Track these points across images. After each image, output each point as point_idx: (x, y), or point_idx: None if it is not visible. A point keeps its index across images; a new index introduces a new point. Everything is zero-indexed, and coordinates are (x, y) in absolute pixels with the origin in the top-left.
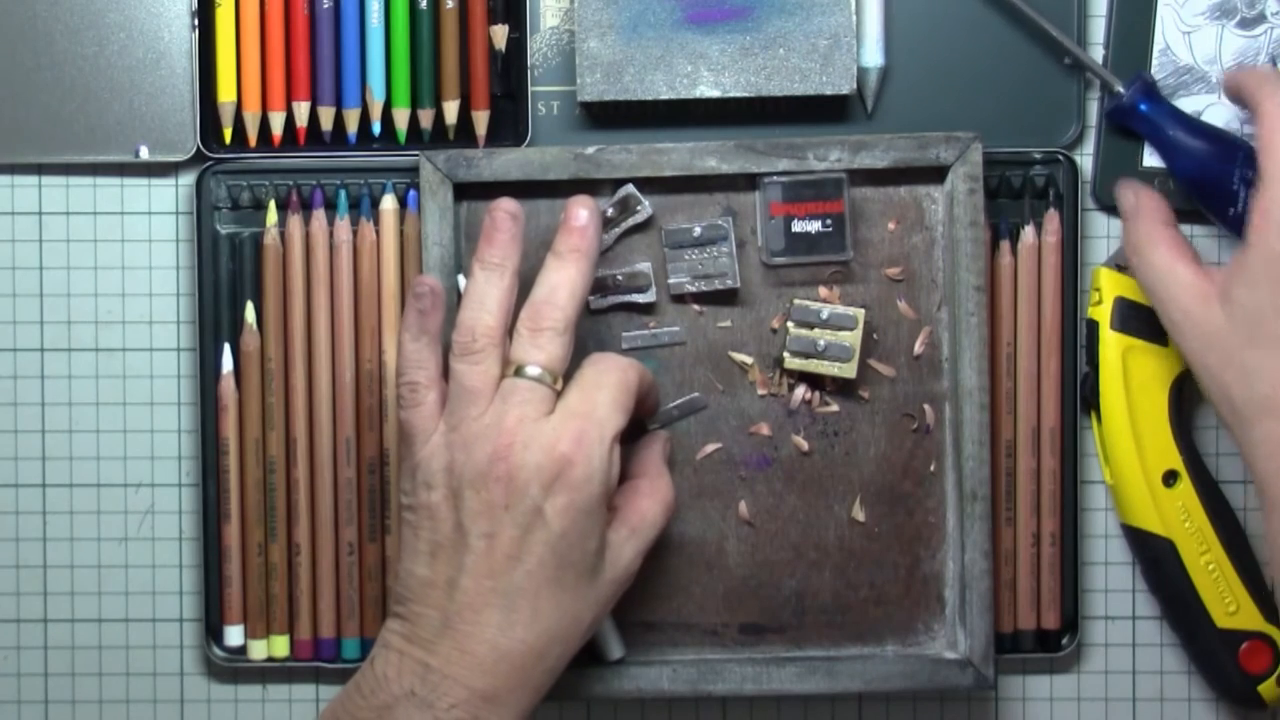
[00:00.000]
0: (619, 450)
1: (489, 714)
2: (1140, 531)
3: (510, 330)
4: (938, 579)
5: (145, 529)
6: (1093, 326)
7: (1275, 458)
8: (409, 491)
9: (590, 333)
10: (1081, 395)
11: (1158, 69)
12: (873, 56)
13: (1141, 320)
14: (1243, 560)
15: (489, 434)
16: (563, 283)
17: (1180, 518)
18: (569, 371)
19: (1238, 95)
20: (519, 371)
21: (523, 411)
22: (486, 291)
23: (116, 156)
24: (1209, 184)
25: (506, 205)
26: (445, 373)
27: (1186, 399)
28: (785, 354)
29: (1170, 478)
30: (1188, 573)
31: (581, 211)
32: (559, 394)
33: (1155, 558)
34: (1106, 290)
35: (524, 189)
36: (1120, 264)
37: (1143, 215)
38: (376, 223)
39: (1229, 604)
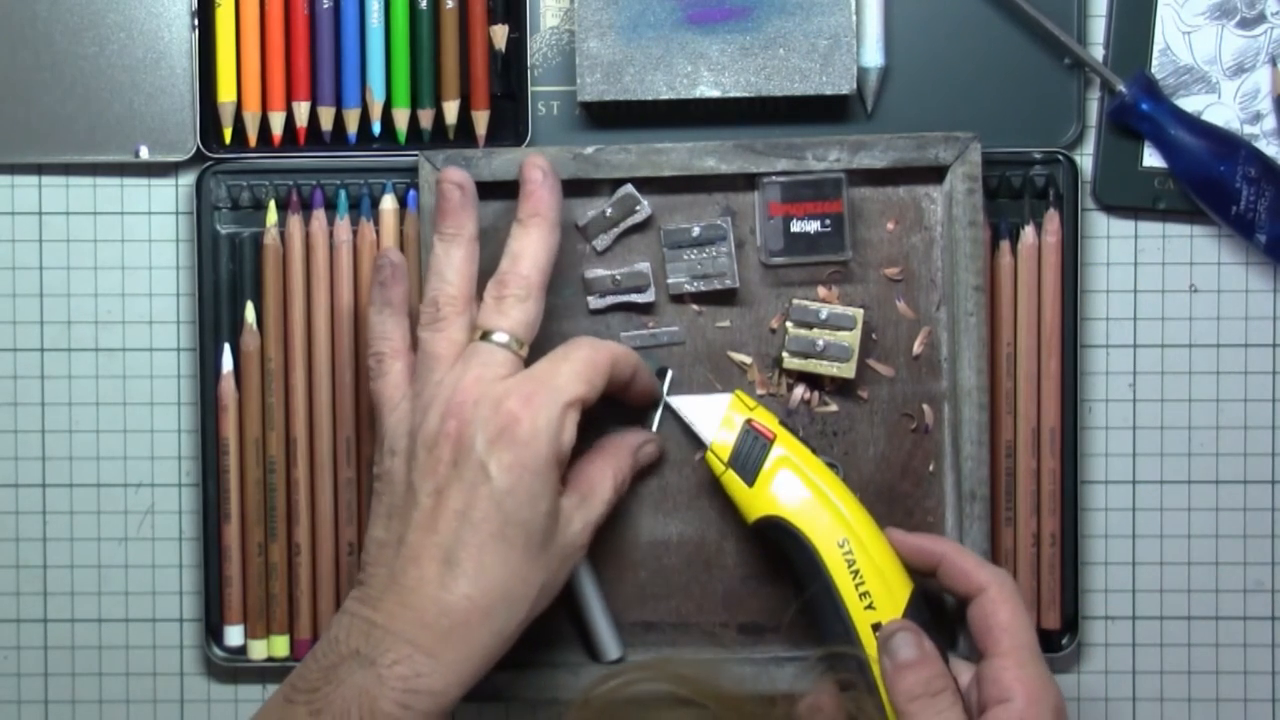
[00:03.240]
0: (574, 417)
1: (430, 670)
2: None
3: (480, 299)
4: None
5: (145, 529)
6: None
7: None
8: (377, 461)
9: (590, 333)
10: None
11: (1158, 69)
12: (873, 56)
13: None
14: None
15: (445, 393)
16: (525, 249)
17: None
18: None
19: (950, 583)
20: (484, 336)
21: (480, 372)
22: (445, 261)
23: (116, 156)
24: (1210, 183)
25: (452, 175)
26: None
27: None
28: (784, 354)
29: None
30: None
31: (535, 172)
32: (525, 360)
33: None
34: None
35: None
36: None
37: (927, 665)
38: (376, 223)
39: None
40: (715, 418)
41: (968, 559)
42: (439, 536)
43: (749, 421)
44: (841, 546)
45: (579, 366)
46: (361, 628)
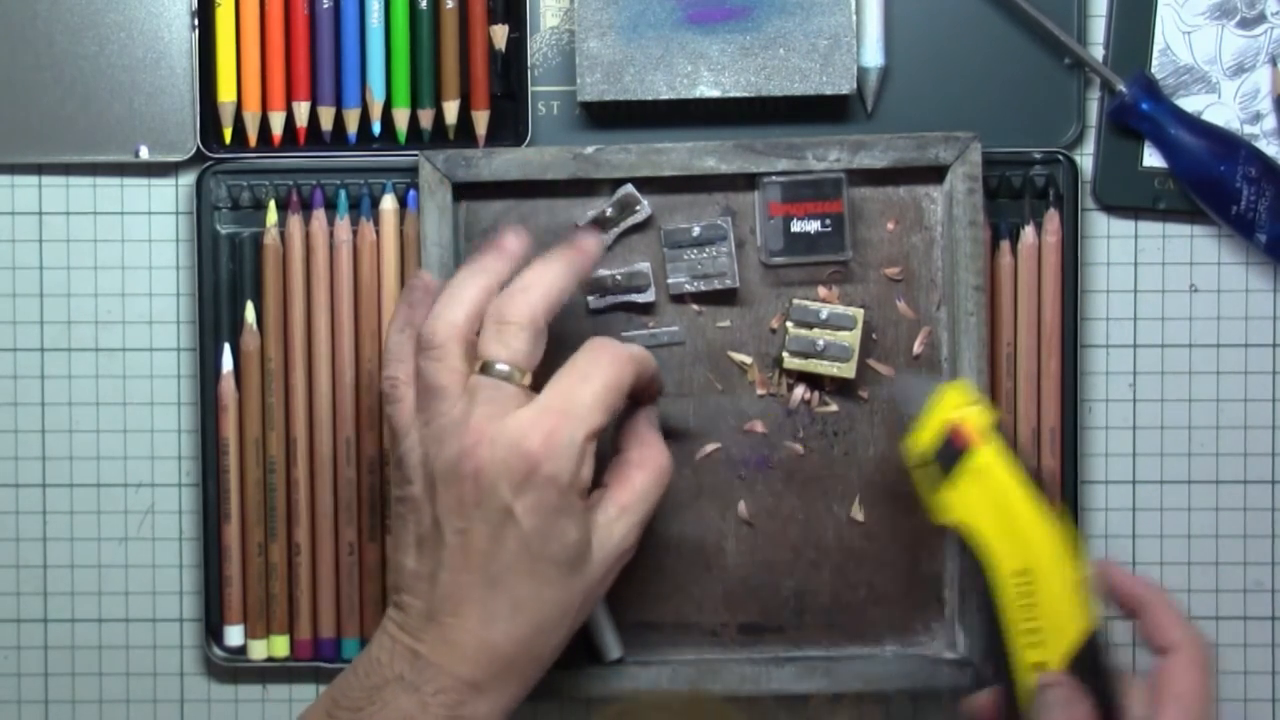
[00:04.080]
0: (594, 446)
1: (474, 700)
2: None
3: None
4: (937, 579)
5: (145, 529)
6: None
7: None
8: (397, 483)
9: (590, 333)
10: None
11: (1158, 69)
12: (873, 56)
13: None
14: None
15: (456, 431)
16: (538, 280)
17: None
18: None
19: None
20: (485, 368)
21: (488, 409)
22: (462, 290)
23: (116, 156)
24: (1210, 183)
25: (517, 237)
26: None
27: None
28: (784, 354)
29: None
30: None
31: (589, 240)
32: (529, 389)
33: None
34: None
35: (523, 189)
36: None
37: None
38: (376, 223)
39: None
40: (924, 407)
41: (1168, 614)
42: (471, 576)
43: (954, 422)
44: (1019, 576)
45: (599, 391)
46: (405, 655)
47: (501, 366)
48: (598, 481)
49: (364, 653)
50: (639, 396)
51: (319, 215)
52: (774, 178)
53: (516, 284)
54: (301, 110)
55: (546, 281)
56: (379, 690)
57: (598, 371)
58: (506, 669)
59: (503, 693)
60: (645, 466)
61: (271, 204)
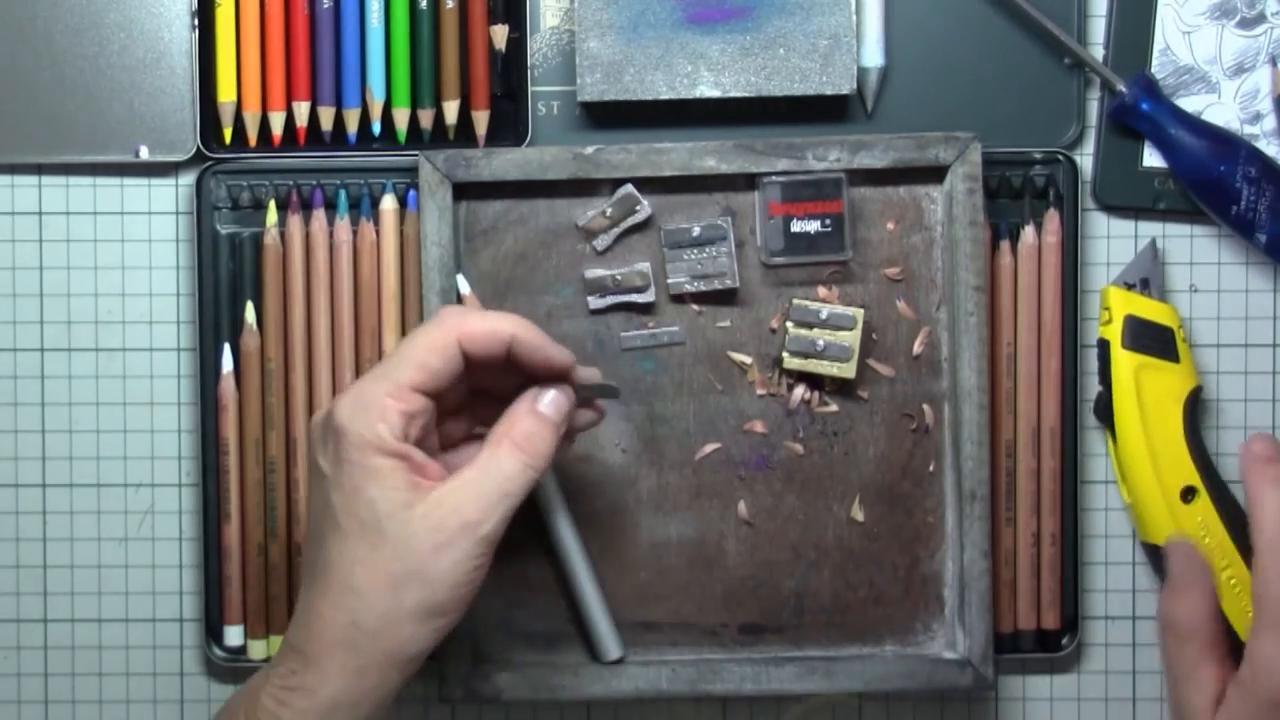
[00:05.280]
0: (397, 405)
1: (304, 671)
2: (1160, 549)
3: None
4: (937, 579)
5: (145, 529)
6: (1104, 345)
7: None
8: None
9: (590, 333)
10: (1096, 415)
11: (1158, 69)
12: (873, 56)
13: (1152, 337)
14: None
15: None
16: (483, 314)
17: (1200, 533)
18: None
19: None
20: None
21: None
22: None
23: (116, 156)
24: (1211, 183)
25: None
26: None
27: (1200, 415)
28: (784, 354)
29: (1188, 494)
30: None
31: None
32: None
33: None
34: (1116, 309)
35: (523, 189)
36: (1129, 282)
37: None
38: (376, 223)
39: (1251, 617)
40: None
41: None
42: (308, 544)
43: None
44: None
45: (409, 351)
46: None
47: None
48: None
49: None
50: (531, 371)
51: (319, 215)
52: (774, 178)
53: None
54: (301, 110)
55: (500, 320)
56: (250, 678)
57: (417, 333)
58: (324, 631)
59: (334, 667)
60: (496, 442)
61: (271, 204)
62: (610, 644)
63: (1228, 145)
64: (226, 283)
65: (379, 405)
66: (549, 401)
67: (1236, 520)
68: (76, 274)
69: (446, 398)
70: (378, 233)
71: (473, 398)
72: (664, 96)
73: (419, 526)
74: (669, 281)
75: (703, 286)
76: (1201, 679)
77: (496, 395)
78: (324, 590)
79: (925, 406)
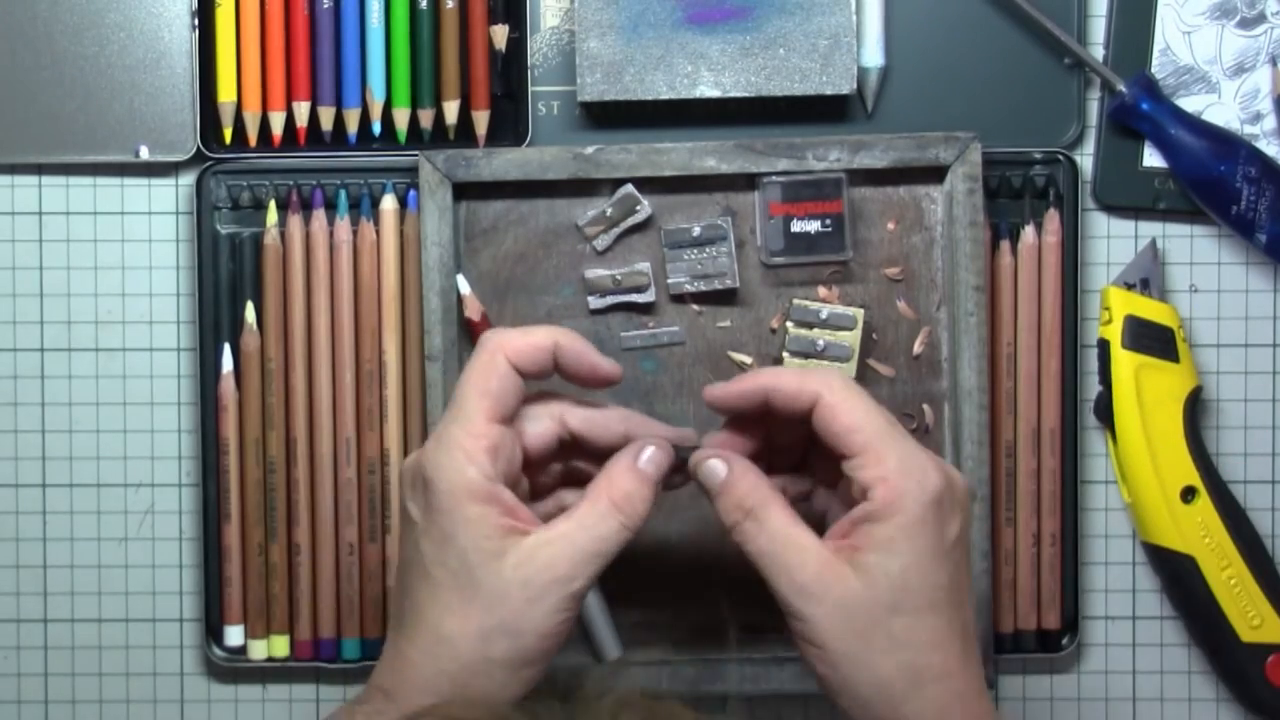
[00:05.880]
0: (483, 444)
1: (388, 709)
2: (1160, 549)
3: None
4: None
5: (145, 529)
6: (1104, 345)
7: (942, 717)
8: None
9: (590, 333)
10: (1096, 415)
11: (1158, 69)
12: (873, 56)
13: (1152, 338)
14: (1265, 573)
15: None
16: (530, 330)
17: (1200, 533)
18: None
19: (782, 407)
20: None
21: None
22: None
23: (116, 156)
24: (1211, 183)
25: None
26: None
27: (1200, 415)
28: (784, 354)
29: (1188, 494)
30: (1210, 588)
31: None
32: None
33: (1176, 574)
34: (1116, 309)
35: (523, 189)
36: (1129, 282)
37: (743, 479)
38: (376, 223)
39: (1252, 618)
40: None
41: (786, 378)
42: (396, 584)
43: None
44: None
45: (466, 387)
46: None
47: None
48: None
49: None
50: (580, 382)
51: (319, 215)
52: (774, 178)
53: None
54: (301, 110)
55: (537, 331)
56: (337, 710)
57: (467, 368)
58: (413, 677)
59: (412, 702)
60: (593, 498)
61: (271, 204)
62: (610, 644)
63: (1228, 145)
64: (226, 283)
65: (461, 446)
66: (649, 459)
67: (1237, 521)
68: (76, 274)
69: (533, 446)
70: (378, 233)
71: (563, 450)
72: (664, 96)
73: (510, 578)
74: (669, 281)
75: (703, 286)
76: (801, 546)
77: (589, 448)
78: (412, 637)
79: (925, 406)
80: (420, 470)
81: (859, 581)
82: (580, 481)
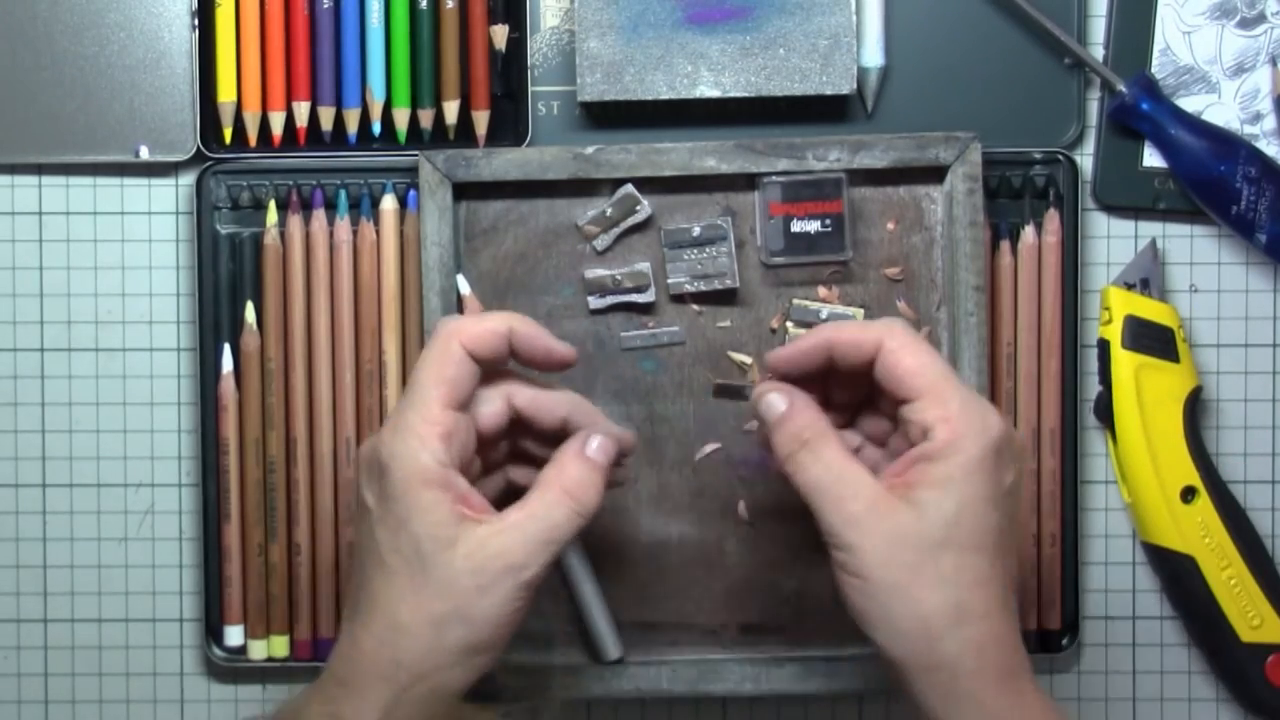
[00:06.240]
0: (436, 431)
1: (344, 698)
2: (1160, 549)
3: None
4: None
5: (145, 529)
6: (1104, 345)
7: (979, 659)
8: None
9: (590, 333)
10: (1096, 415)
11: (1158, 69)
12: (873, 56)
13: (1152, 338)
14: (1264, 574)
15: None
16: (485, 316)
17: (1200, 533)
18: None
19: (846, 358)
20: None
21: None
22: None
23: (116, 156)
24: (1211, 183)
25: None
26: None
27: (1200, 415)
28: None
29: (1188, 494)
30: (1210, 588)
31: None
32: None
33: (1176, 574)
34: (1117, 309)
35: (523, 189)
36: (1129, 282)
37: (803, 413)
38: (376, 223)
39: (1252, 618)
40: None
41: (848, 329)
42: (353, 578)
43: None
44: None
45: (423, 373)
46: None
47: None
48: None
49: None
50: (535, 365)
51: (319, 215)
52: (774, 178)
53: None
54: (301, 110)
55: (485, 318)
56: (294, 696)
57: (424, 354)
58: (369, 666)
59: (374, 700)
60: (546, 487)
61: (271, 204)
62: (610, 644)
63: (1228, 145)
64: (226, 283)
65: (416, 433)
66: (597, 448)
67: (1237, 521)
68: (76, 274)
69: (485, 426)
70: (378, 233)
71: (512, 428)
72: (664, 96)
73: (462, 566)
74: (669, 281)
75: (703, 286)
76: (855, 478)
77: (534, 429)
78: (367, 623)
79: None
80: (375, 456)
81: (911, 515)
82: (527, 459)
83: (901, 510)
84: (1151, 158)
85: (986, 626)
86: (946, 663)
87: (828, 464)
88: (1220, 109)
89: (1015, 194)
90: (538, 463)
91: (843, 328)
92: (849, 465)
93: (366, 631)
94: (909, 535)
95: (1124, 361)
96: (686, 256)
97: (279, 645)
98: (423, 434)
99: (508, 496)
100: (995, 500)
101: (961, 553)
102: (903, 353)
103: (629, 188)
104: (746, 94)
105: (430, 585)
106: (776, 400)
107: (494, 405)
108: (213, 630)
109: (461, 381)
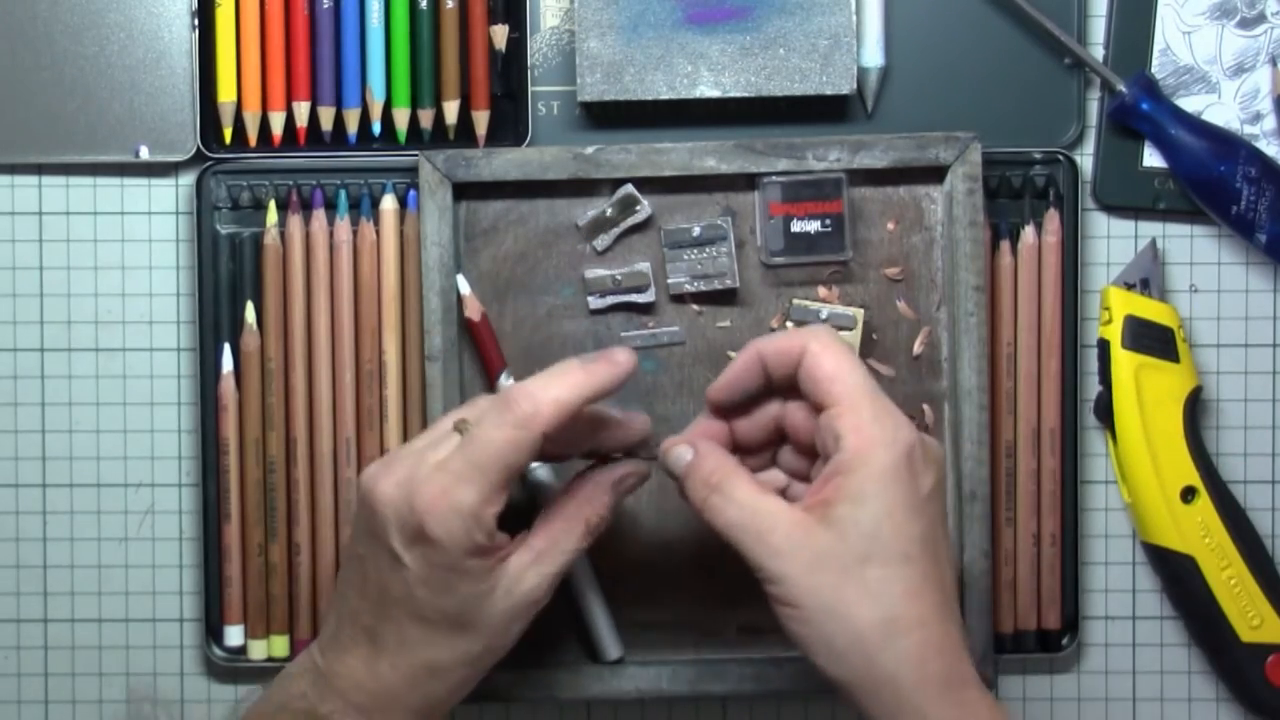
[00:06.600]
0: (493, 508)
1: None
2: (1160, 549)
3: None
4: None
5: (145, 529)
6: (1104, 345)
7: (916, 671)
8: None
9: (590, 333)
10: (1096, 415)
11: (1158, 69)
12: (873, 56)
13: (1152, 338)
14: (1264, 574)
15: (389, 459)
16: (558, 383)
17: (1200, 533)
18: None
19: (776, 366)
20: (459, 426)
21: (422, 451)
22: (554, 386)
23: (116, 156)
24: (1211, 183)
25: (628, 355)
26: None
27: (1200, 415)
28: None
29: (1188, 494)
30: (1210, 588)
31: (622, 354)
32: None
33: (1177, 574)
34: (1116, 309)
35: (523, 189)
36: (1129, 282)
37: (708, 458)
38: (376, 223)
39: (1252, 618)
40: None
41: (775, 339)
42: (367, 603)
43: None
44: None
45: (491, 455)
46: (310, 671)
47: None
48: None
49: (285, 668)
50: (601, 447)
51: (319, 215)
52: (774, 178)
53: (540, 375)
54: (301, 110)
55: (569, 387)
56: (285, 706)
57: (496, 428)
58: (394, 702)
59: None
60: (571, 521)
61: (271, 204)
62: (610, 644)
63: (1228, 145)
64: (226, 283)
65: (474, 515)
66: (629, 483)
67: (1237, 521)
68: (76, 274)
69: None
70: (378, 233)
71: None
72: (664, 96)
73: (499, 607)
74: (669, 281)
75: (703, 286)
76: (770, 510)
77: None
78: (396, 664)
79: (925, 406)
80: (420, 523)
81: (830, 534)
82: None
83: (820, 532)
84: (1151, 158)
85: (923, 636)
86: (886, 678)
87: (740, 502)
88: (1220, 109)
89: (1015, 194)
90: None
91: (771, 338)
92: (762, 499)
93: (395, 671)
94: (831, 555)
95: (1124, 361)
96: (686, 256)
97: (279, 645)
98: (480, 517)
99: None
100: (915, 508)
101: (886, 564)
102: (824, 355)
103: (629, 188)
104: (746, 94)
105: (471, 631)
106: (682, 452)
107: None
108: (213, 630)
109: (529, 463)
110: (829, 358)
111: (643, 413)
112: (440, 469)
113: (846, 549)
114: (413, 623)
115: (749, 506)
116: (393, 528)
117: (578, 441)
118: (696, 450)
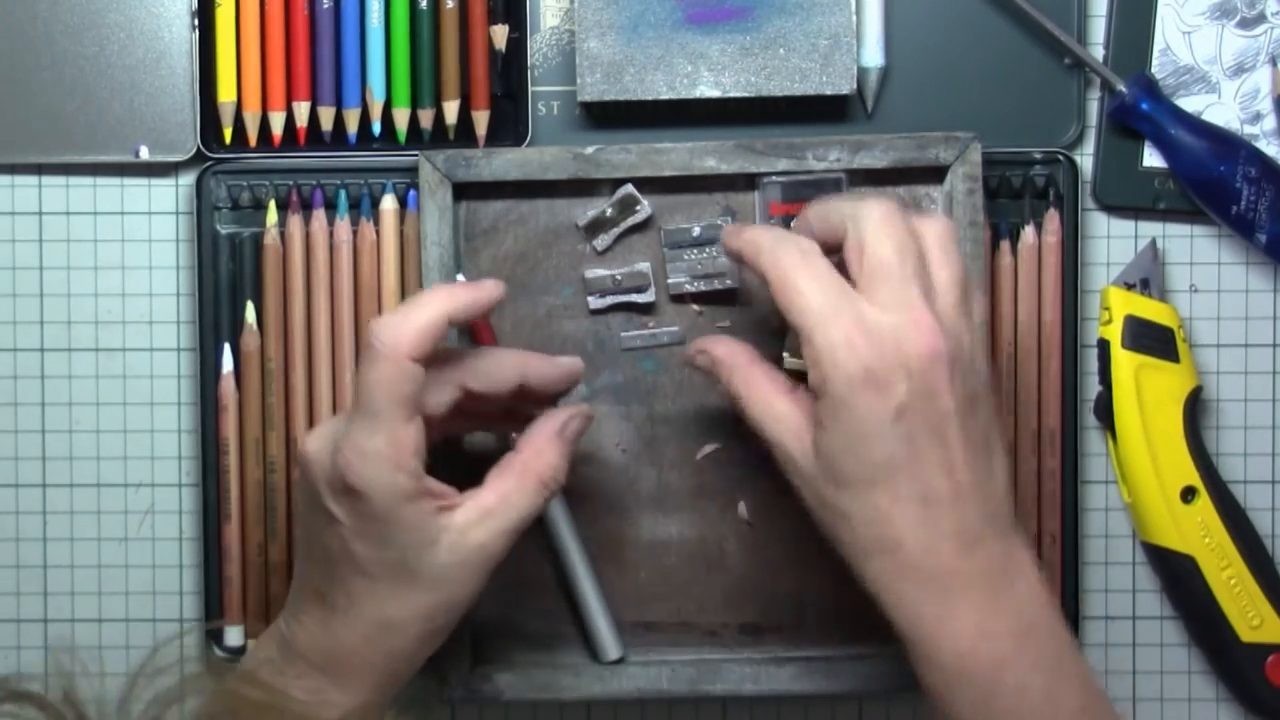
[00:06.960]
0: (411, 447)
1: (329, 689)
2: (1160, 549)
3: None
4: None
5: (145, 529)
6: (1104, 345)
7: (892, 591)
8: None
9: (590, 333)
10: (1096, 415)
11: (1158, 69)
12: (873, 56)
13: (1152, 338)
14: (1265, 574)
15: (326, 421)
16: (417, 307)
17: (1200, 534)
18: None
19: (739, 259)
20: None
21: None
22: (420, 307)
23: (116, 156)
24: (1211, 183)
25: (496, 285)
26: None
27: (1200, 415)
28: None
29: (1188, 494)
30: (1210, 588)
31: (490, 282)
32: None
33: (1176, 574)
34: (1116, 309)
35: (523, 189)
36: (1129, 282)
37: (730, 361)
38: (376, 223)
39: (1252, 618)
40: None
41: (816, 226)
42: (314, 565)
43: None
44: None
45: (377, 398)
46: (276, 636)
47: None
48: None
49: (259, 637)
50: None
51: (319, 215)
52: (774, 178)
53: (399, 309)
54: (301, 110)
55: (421, 311)
56: (252, 675)
57: (370, 373)
58: (355, 661)
59: (357, 685)
60: (524, 477)
61: (271, 204)
62: (610, 644)
63: (1228, 145)
64: (226, 283)
65: (388, 458)
66: (573, 429)
67: (1237, 521)
68: (76, 274)
69: (436, 412)
70: (378, 233)
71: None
72: (664, 96)
73: (447, 560)
74: (669, 281)
75: (703, 286)
76: (779, 410)
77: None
78: (351, 624)
79: None
80: (342, 479)
81: (812, 455)
82: (471, 414)
83: (809, 450)
84: (1151, 158)
85: (894, 559)
86: (873, 593)
87: (758, 407)
88: (1220, 109)
89: (1015, 194)
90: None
91: (813, 219)
92: (771, 405)
93: (350, 630)
94: (816, 475)
95: (1124, 361)
96: (686, 256)
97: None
98: (395, 458)
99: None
100: (877, 433)
101: (852, 489)
102: (785, 284)
103: (629, 188)
104: (746, 94)
105: (418, 583)
106: (705, 355)
107: (445, 393)
108: (213, 630)
109: (415, 390)
110: (789, 285)
111: (575, 356)
112: (350, 422)
113: (822, 471)
114: (357, 578)
115: (762, 411)
116: (323, 485)
117: (500, 388)
118: (720, 354)
